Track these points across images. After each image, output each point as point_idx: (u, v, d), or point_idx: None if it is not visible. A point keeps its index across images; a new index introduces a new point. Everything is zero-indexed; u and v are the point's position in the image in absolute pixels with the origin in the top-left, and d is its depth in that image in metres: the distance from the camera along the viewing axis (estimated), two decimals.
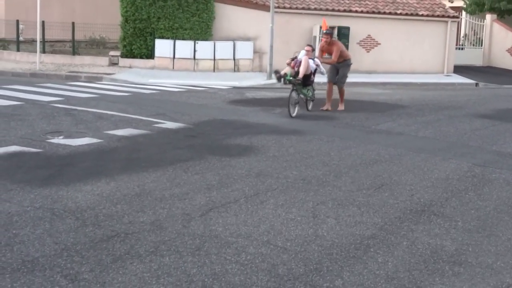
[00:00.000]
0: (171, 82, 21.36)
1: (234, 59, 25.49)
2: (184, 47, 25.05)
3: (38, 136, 10.49)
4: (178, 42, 25.01)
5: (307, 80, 14.89)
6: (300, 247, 5.96)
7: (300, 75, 14.36)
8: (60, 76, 21.91)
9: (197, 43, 25.06)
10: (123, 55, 25.62)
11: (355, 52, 24.90)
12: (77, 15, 31.66)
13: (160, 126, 12.22)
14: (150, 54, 25.35)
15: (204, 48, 25.10)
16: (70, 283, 4.94)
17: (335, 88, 16.10)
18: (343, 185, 8.27)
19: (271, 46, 22.88)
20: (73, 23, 26.90)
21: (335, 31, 24.39)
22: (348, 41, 25.76)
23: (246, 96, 18.43)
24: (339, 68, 15.95)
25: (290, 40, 25.17)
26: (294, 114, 14.21)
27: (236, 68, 25.51)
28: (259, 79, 22.95)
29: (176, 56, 24.98)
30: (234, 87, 20.85)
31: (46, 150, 9.53)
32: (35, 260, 5.36)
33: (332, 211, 7.15)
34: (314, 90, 15.63)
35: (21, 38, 28.40)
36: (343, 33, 25.90)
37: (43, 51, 26.21)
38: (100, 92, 17.77)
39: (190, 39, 25.22)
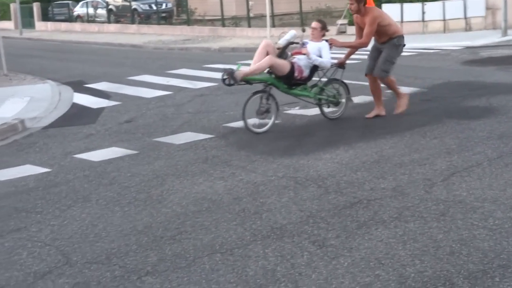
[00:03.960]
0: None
1: (465, 17, 24.45)
2: (412, 9, 24.49)
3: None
4: (405, 5, 24.52)
5: (291, 77, 9.39)
6: None
7: (252, 70, 9.13)
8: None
9: (425, 4, 24.38)
10: (351, 23, 25.67)
11: None
12: None
13: None
14: None
15: (432, 9, 24.35)
16: (318, 248, 5.09)
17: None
18: None
19: (505, 1, 21.59)
20: None
21: None
22: None
23: (481, 56, 17.61)
24: (382, 50, 9.90)
25: None
26: (259, 130, 9.17)
27: (467, 27, 24.45)
28: (494, 37, 21.77)
29: (404, 19, 24.51)
30: (467, 47, 20.00)
31: (284, 121, 9.84)
32: (283, 227, 5.58)
33: None
34: (324, 86, 9.92)
35: (251, 14, 29.58)
36: None
37: (273, 25, 27.03)
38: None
39: (417, 1, 24.62)
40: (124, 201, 6.56)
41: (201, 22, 32.92)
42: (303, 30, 9.44)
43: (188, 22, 33.16)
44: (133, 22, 36.33)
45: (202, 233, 5.54)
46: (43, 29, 42.66)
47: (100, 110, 11.92)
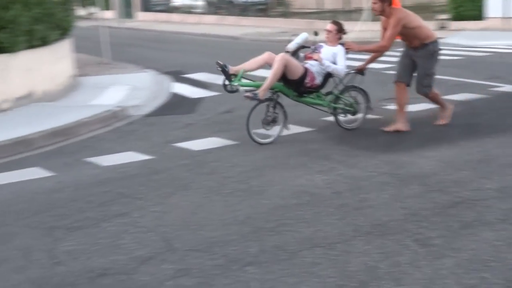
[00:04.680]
0: (504, 43, 20.36)
1: None
2: None
3: (374, 103, 10.74)
4: None
5: (300, 84, 8.58)
6: None
7: (270, 81, 8.21)
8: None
9: None
10: (452, 18, 25.15)
11: None
12: None
13: (497, 89, 11.75)
14: (479, 16, 24.50)
15: None
16: (421, 247, 5.00)
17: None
18: None
19: None
20: None
21: None
22: None
23: None
24: (416, 59, 8.80)
25: None
26: (264, 141, 8.45)
27: None
28: None
29: (511, 15, 23.76)
30: None
31: (384, 116, 9.68)
32: (384, 224, 5.52)
33: None
34: (341, 94, 9.01)
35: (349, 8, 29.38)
36: None
37: (371, 19, 26.71)
38: None
39: None
40: (224, 191, 6.63)
41: (298, 15, 32.93)
42: (316, 34, 8.44)
43: (285, 14, 33.24)
44: (230, 14, 36.69)
45: (302, 226, 5.54)
46: (142, 19, 43.65)
47: (199, 100, 12.09)
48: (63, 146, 8.99)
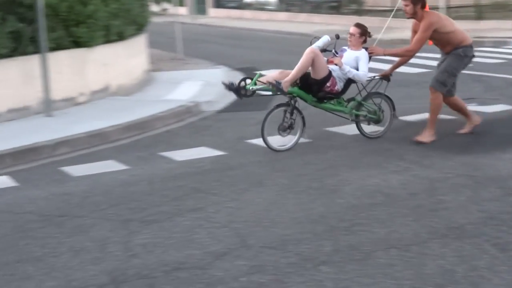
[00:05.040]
0: None
1: None
2: None
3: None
4: None
5: (321, 87, 8.10)
6: None
7: (296, 72, 7.86)
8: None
9: None
10: None
11: None
12: None
13: None
14: None
15: None
16: (500, 252, 4.88)
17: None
18: None
19: None
20: None
21: None
22: None
23: None
24: (446, 58, 8.39)
25: None
26: (280, 148, 8.12)
27: None
28: None
29: None
30: None
31: (461, 117, 9.47)
32: (461, 227, 5.41)
33: None
34: (364, 101, 8.53)
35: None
36: None
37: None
38: (508, 57, 17.17)
39: None
40: (297, 188, 6.62)
41: (371, 12, 32.55)
42: (337, 37, 8.00)
43: (358, 12, 32.92)
44: (302, 11, 36.59)
45: (377, 227, 5.48)
46: (214, 16, 43.94)
47: (271, 96, 12.06)
48: (137, 140, 9.15)
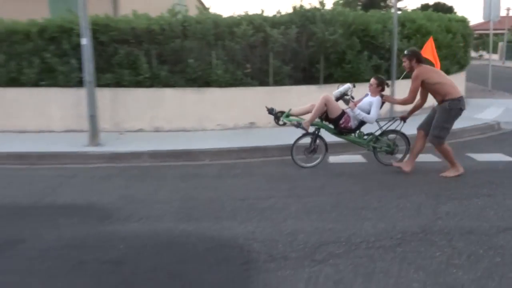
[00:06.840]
0: None
1: None
2: None
3: None
4: None
5: (336, 123, 7.10)
6: None
7: (313, 116, 6.96)
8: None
9: None
10: None
11: None
12: None
13: None
14: None
15: None
16: None
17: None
18: None
19: None
20: None
21: None
22: None
23: None
24: (437, 110, 6.61)
25: None
26: (307, 165, 7.14)
27: None
28: None
29: None
30: None
31: None
32: None
33: None
34: (380, 136, 7.17)
35: None
36: None
37: None
38: None
39: None
40: None
41: None
42: (354, 86, 7.01)
43: None
44: None
45: None
46: None
47: None
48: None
